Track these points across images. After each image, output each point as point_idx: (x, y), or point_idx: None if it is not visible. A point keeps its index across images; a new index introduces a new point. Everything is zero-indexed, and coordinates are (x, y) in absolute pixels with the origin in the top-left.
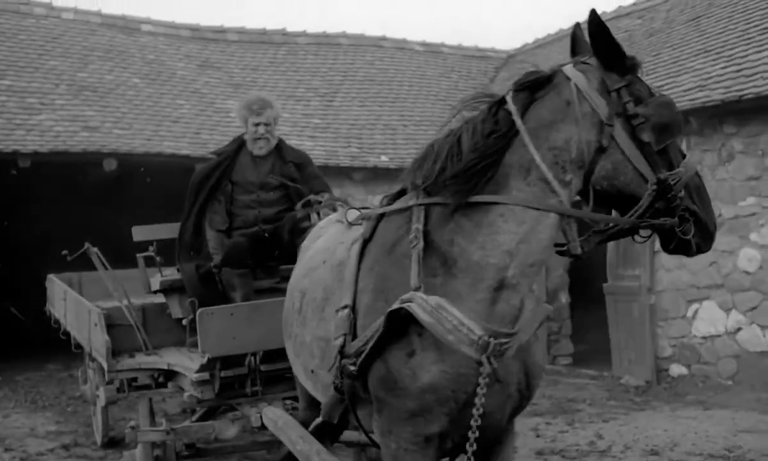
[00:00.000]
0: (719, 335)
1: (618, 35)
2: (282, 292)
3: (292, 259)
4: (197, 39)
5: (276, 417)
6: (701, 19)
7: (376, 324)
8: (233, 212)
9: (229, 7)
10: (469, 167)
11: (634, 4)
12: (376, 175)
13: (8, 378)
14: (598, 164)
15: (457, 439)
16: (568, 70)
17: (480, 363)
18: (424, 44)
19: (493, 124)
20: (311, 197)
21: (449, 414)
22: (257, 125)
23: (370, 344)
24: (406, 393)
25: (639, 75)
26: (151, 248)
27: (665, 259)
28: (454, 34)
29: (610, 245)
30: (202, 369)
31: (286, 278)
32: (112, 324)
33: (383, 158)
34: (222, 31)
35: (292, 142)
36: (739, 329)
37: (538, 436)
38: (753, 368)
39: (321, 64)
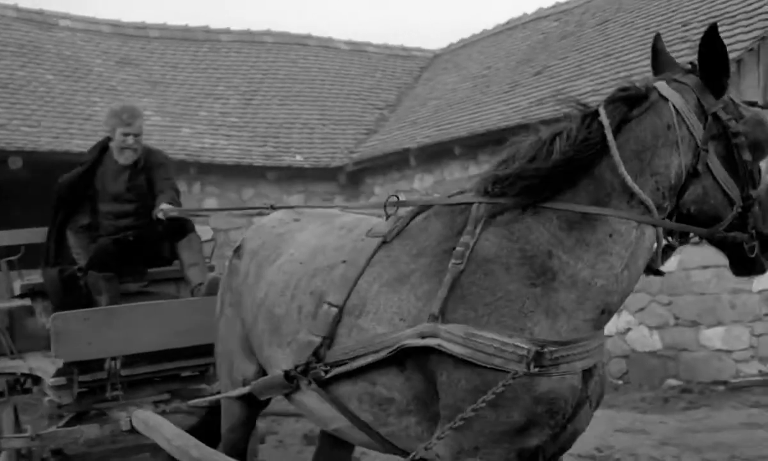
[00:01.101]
0: (611, 336)
1: (534, 37)
2: (151, 296)
3: (161, 262)
4: (117, 35)
5: (146, 418)
6: (608, 23)
7: (371, 347)
8: (97, 219)
9: (154, 4)
10: (554, 167)
11: (554, 6)
12: (290, 175)
13: None
14: (689, 189)
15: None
16: (664, 89)
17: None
18: (349, 43)
19: (587, 133)
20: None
21: (554, 427)
22: (126, 135)
23: (357, 364)
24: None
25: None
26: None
27: None
28: (382, 35)
29: None
30: (59, 373)
31: (156, 281)
32: None
33: (298, 157)
34: (143, 27)
35: (206, 140)
36: (628, 329)
37: None
38: (641, 368)
39: (243, 61)
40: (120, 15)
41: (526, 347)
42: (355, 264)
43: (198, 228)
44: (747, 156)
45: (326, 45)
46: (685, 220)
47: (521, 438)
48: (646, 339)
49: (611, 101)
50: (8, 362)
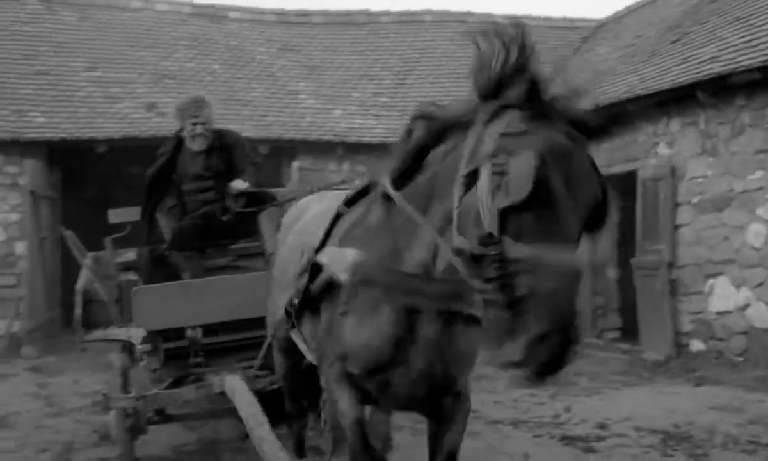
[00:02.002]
0: (731, 312)
1: (689, 3)
2: (238, 270)
3: (249, 237)
4: (281, 23)
5: (231, 383)
6: None
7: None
8: (182, 199)
9: None
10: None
11: None
12: None
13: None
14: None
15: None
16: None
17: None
18: (509, 17)
19: None
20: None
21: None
22: (195, 124)
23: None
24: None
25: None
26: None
27: (686, 234)
28: (550, 7)
29: (638, 219)
30: (145, 341)
31: (244, 256)
32: (90, 300)
33: None
34: (306, 14)
35: (356, 120)
36: (747, 305)
37: (514, 407)
38: (760, 345)
39: (401, 42)
40: (284, 4)
41: (351, 257)
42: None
43: None
44: (500, 191)
45: (485, 21)
46: None
47: (343, 364)
48: (765, 316)
49: None
50: (116, 330)
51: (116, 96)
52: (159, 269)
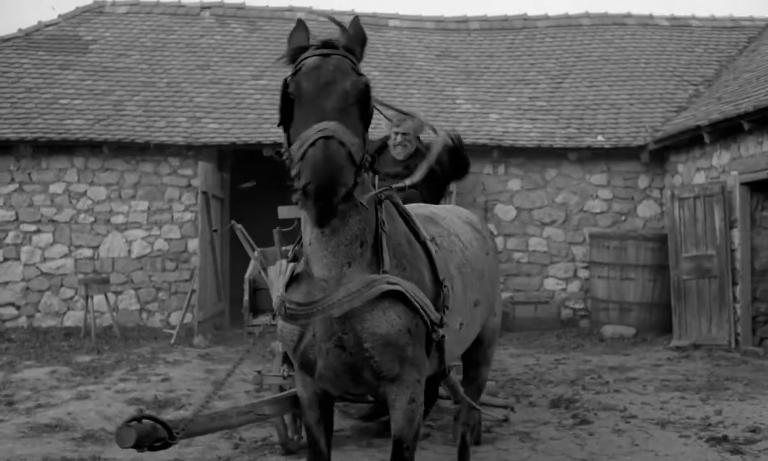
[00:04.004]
0: None
1: None
2: None
3: None
4: (440, 30)
5: None
6: None
7: None
8: None
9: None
10: None
11: None
12: (592, 155)
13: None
14: None
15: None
16: None
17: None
18: (671, 18)
19: None
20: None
21: (288, 348)
22: (396, 134)
23: None
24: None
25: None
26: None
27: None
28: (713, 6)
29: None
30: None
31: None
32: (258, 288)
33: (599, 137)
34: (464, 20)
35: (511, 124)
36: None
37: (663, 408)
38: None
39: (557, 46)
40: (443, 11)
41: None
42: None
43: (502, 208)
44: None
45: (645, 22)
46: None
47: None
48: None
49: None
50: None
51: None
52: None
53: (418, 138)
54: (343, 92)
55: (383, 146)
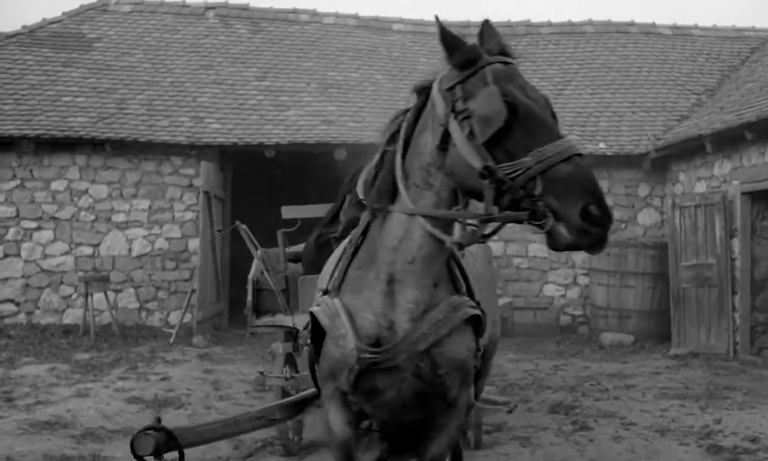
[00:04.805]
0: None
1: None
2: None
3: None
4: None
5: None
6: None
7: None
8: None
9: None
10: (376, 178)
11: None
12: (593, 162)
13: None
14: (444, 163)
15: (364, 406)
16: (438, 76)
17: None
18: (673, 28)
19: (393, 135)
20: None
21: (348, 381)
22: None
23: (309, 328)
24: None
25: (480, 68)
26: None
27: None
28: (716, 16)
29: None
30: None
31: None
32: (261, 289)
33: (601, 145)
34: (467, 25)
35: None
36: None
37: (662, 416)
38: None
39: (560, 53)
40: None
41: (351, 347)
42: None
43: None
44: (467, 130)
45: (649, 31)
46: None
47: (334, 381)
48: None
49: (416, 92)
50: (283, 317)
51: (285, 104)
52: (323, 259)
53: None
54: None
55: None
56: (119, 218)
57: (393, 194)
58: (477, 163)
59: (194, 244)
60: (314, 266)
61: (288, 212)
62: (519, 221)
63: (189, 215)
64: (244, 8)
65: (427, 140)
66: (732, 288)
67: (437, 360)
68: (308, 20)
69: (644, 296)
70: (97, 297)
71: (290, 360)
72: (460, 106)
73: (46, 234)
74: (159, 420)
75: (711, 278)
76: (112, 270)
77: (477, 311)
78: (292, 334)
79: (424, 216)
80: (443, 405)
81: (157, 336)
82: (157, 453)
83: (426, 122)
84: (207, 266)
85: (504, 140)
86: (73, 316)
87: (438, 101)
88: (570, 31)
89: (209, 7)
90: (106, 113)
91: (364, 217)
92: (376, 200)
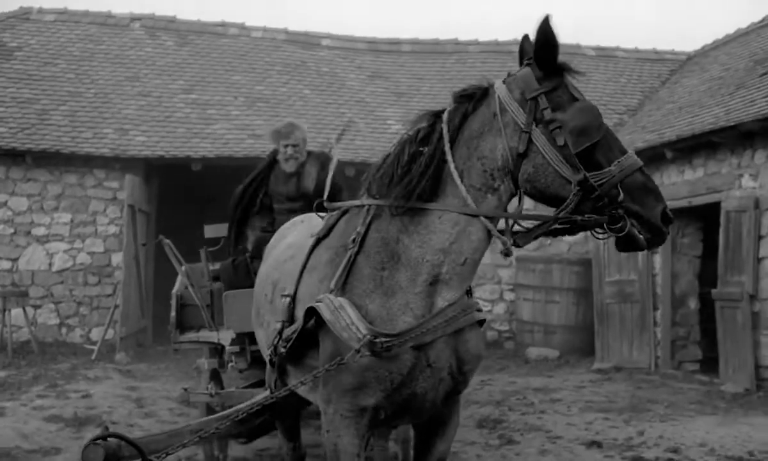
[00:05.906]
0: None
1: None
2: None
3: None
4: (372, 51)
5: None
6: None
7: (300, 320)
8: (274, 220)
9: (407, 21)
10: (406, 175)
11: None
12: None
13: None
14: (521, 169)
15: (389, 413)
16: (497, 83)
17: (358, 351)
18: (597, 49)
19: (427, 136)
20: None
21: (384, 391)
22: (286, 146)
23: (296, 333)
24: (349, 369)
25: (567, 81)
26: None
27: None
28: (638, 40)
29: (720, 250)
30: (233, 342)
31: None
32: (185, 304)
33: None
34: (396, 42)
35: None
36: None
37: (587, 429)
38: None
39: (488, 71)
40: (375, 33)
41: (363, 332)
42: (298, 260)
43: None
44: (561, 141)
45: (574, 52)
46: (539, 201)
47: (357, 397)
48: None
49: (455, 101)
50: (208, 333)
51: (212, 117)
52: (240, 278)
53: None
54: None
55: (273, 161)
56: (39, 231)
57: (431, 195)
58: (568, 172)
59: (117, 259)
60: (233, 286)
61: (210, 231)
62: (599, 225)
63: (112, 229)
64: (171, 20)
65: (495, 145)
66: (654, 304)
67: (464, 356)
68: (237, 34)
69: (569, 311)
70: (15, 313)
71: (216, 376)
72: (548, 115)
73: None
74: (107, 428)
75: (633, 294)
76: (31, 285)
77: (484, 316)
78: (217, 350)
79: (485, 217)
80: (456, 399)
81: (77, 353)
82: None
83: (487, 126)
84: (131, 281)
85: (593, 152)
86: None
87: (514, 108)
88: (497, 49)
89: (135, 19)
90: (26, 124)
91: (362, 216)
92: (404, 200)
